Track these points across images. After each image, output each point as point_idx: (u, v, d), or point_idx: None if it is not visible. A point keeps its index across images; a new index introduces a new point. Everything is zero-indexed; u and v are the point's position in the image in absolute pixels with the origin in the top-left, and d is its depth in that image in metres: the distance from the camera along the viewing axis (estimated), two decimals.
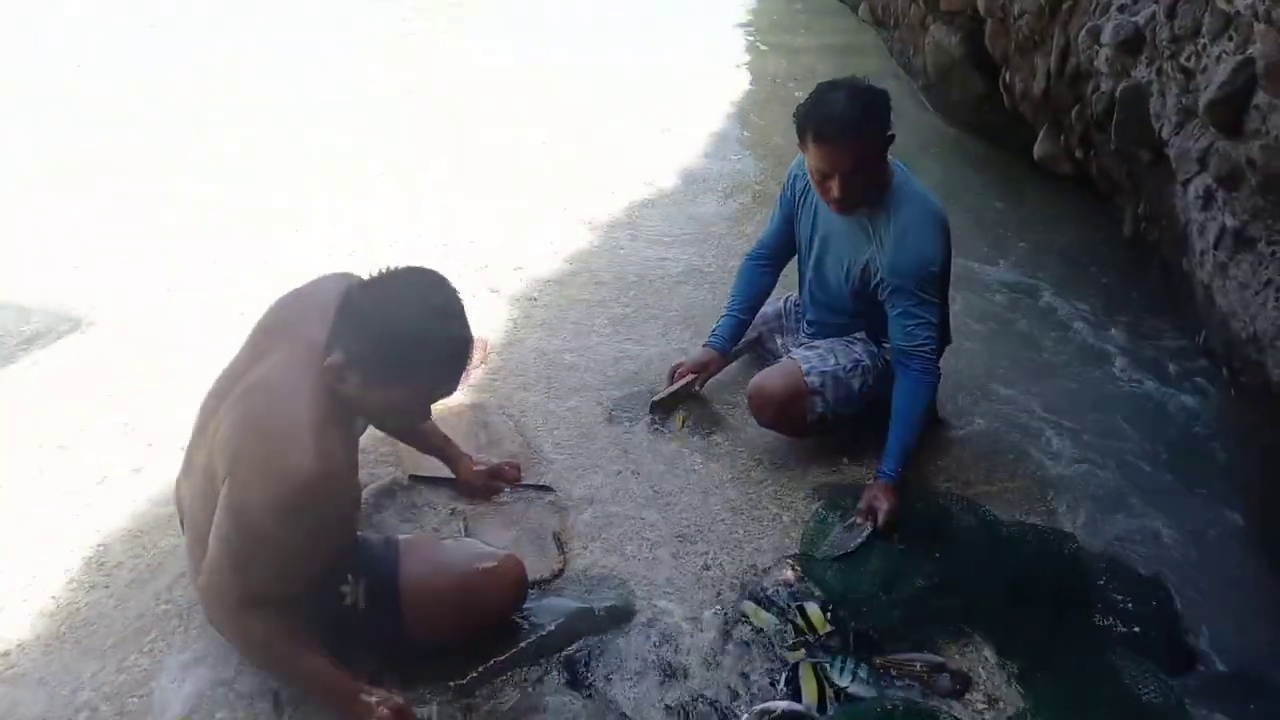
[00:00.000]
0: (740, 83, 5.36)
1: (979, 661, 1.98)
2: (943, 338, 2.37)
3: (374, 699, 1.62)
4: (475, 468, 2.23)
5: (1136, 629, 2.03)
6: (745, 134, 4.66)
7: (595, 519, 2.26)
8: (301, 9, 6.40)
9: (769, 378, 2.42)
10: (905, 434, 2.28)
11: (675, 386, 2.58)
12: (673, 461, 2.45)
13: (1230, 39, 1.87)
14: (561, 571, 2.09)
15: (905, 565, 2.15)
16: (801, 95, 2.19)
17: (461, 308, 1.58)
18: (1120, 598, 2.12)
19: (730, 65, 5.65)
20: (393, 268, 1.56)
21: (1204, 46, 1.96)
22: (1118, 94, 2.23)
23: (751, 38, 6.26)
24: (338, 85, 5.04)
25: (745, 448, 2.50)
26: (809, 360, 2.43)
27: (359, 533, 1.82)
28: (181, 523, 1.84)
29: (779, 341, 2.72)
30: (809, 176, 2.25)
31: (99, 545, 2.10)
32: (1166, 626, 2.08)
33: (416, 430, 2.14)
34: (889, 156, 2.25)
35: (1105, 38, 2.29)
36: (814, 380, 2.39)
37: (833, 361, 2.42)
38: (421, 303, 1.53)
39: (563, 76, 5.30)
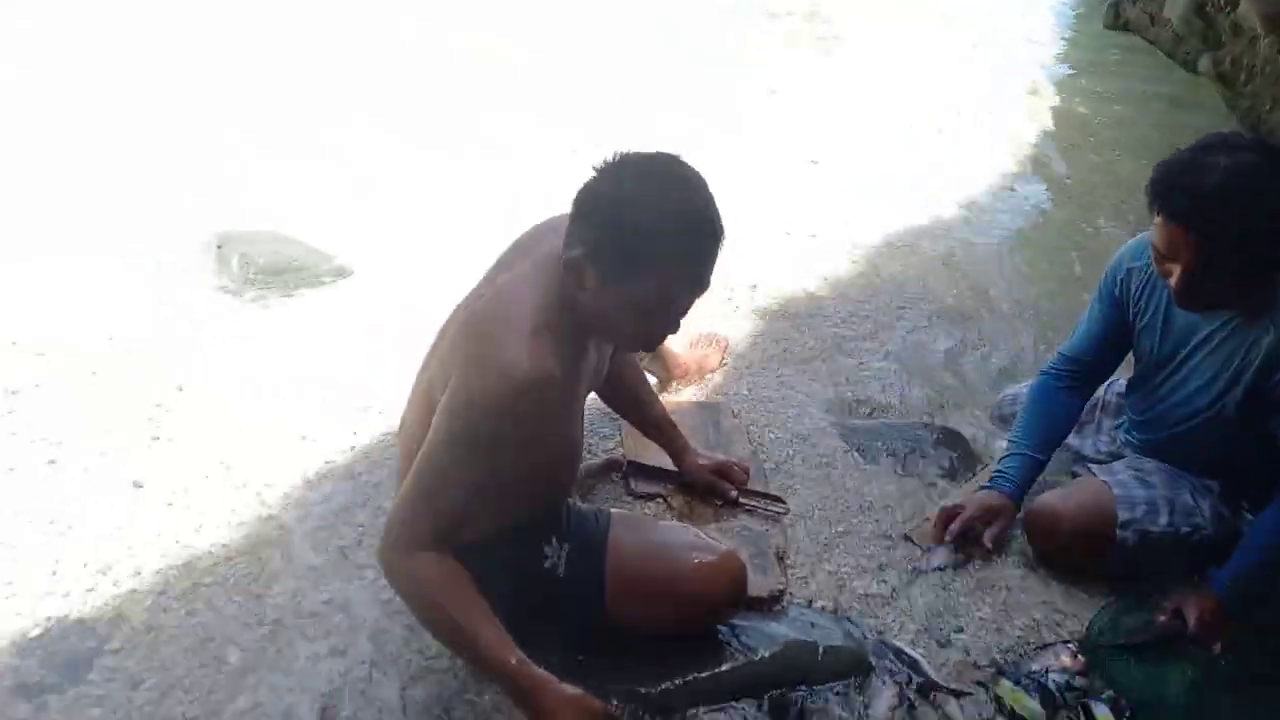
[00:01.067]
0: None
1: None
2: None
3: (571, 693, 1.38)
4: (700, 462, 1.98)
5: None
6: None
7: (825, 544, 1.92)
8: None
9: (1062, 498, 1.87)
10: (1256, 556, 1.69)
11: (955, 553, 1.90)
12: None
13: None
14: (783, 594, 1.78)
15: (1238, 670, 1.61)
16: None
17: (706, 185, 1.35)
18: None
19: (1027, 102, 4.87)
20: (629, 152, 1.36)
21: None
22: None
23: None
24: None
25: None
26: (1122, 481, 1.83)
27: (571, 501, 1.65)
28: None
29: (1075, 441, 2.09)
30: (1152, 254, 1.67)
31: None
32: None
33: (645, 410, 1.95)
34: None
35: None
36: (1129, 511, 1.79)
37: (1160, 492, 1.82)
38: (661, 180, 1.33)
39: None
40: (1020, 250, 3.24)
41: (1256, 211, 1.52)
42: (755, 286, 2.82)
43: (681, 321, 1.42)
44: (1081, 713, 1.57)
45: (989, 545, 1.86)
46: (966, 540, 1.87)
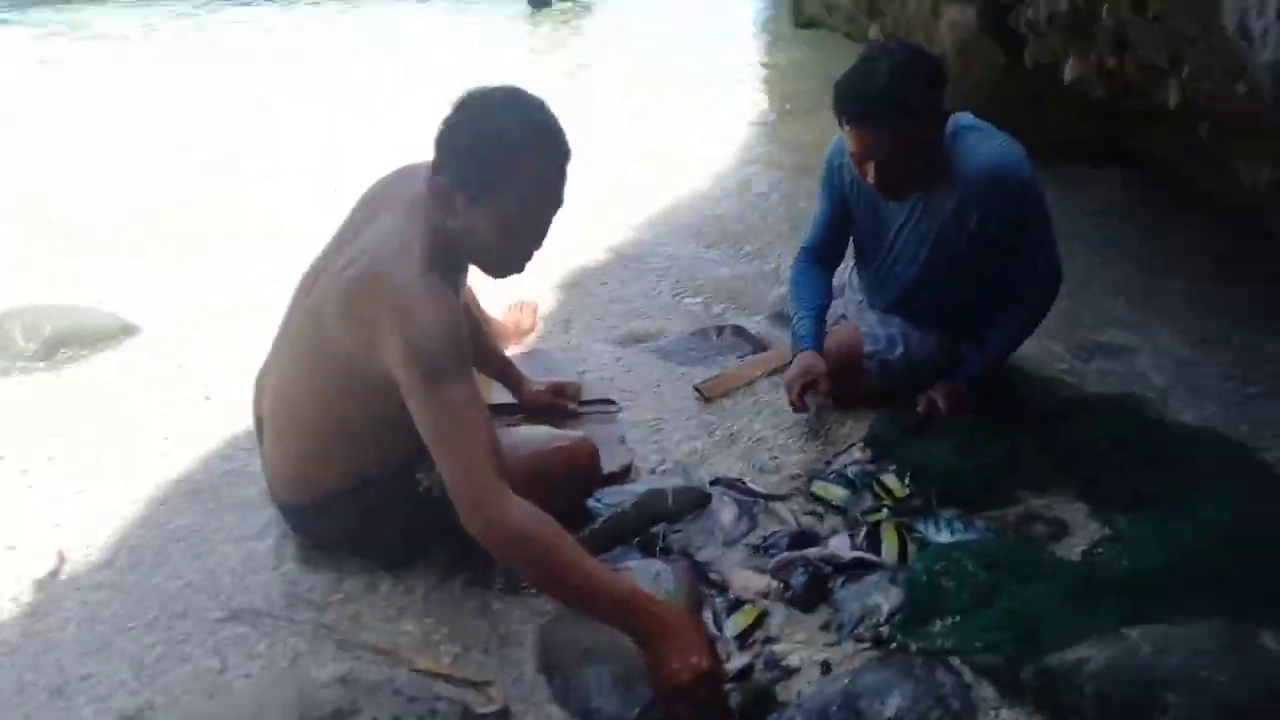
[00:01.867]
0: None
1: (1072, 513, 1.90)
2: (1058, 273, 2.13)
3: (682, 610, 1.47)
4: (536, 388, 2.24)
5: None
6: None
7: (653, 427, 2.25)
8: None
9: (825, 340, 2.22)
10: (993, 350, 2.16)
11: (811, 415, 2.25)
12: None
13: None
14: (630, 466, 2.09)
15: (985, 434, 2.07)
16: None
17: (549, 109, 1.53)
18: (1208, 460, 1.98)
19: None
20: (476, 89, 1.54)
21: None
22: None
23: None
24: None
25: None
26: (870, 323, 2.26)
27: None
28: (257, 424, 1.84)
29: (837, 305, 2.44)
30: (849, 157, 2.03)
31: None
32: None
33: (482, 351, 2.12)
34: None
35: None
36: (873, 345, 2.21)
37: (897, 330, 2.23)
38: (512, 106, 1.51)
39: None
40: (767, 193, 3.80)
41: (915, 98, 1.90)
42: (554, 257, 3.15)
43: (544, 241, 1.57)
44: (876, 484, 1.96)
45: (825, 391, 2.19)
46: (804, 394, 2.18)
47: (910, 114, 1.91)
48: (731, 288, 2.97)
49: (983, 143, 2.01)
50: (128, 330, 2.78)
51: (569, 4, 7.88)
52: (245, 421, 1.98)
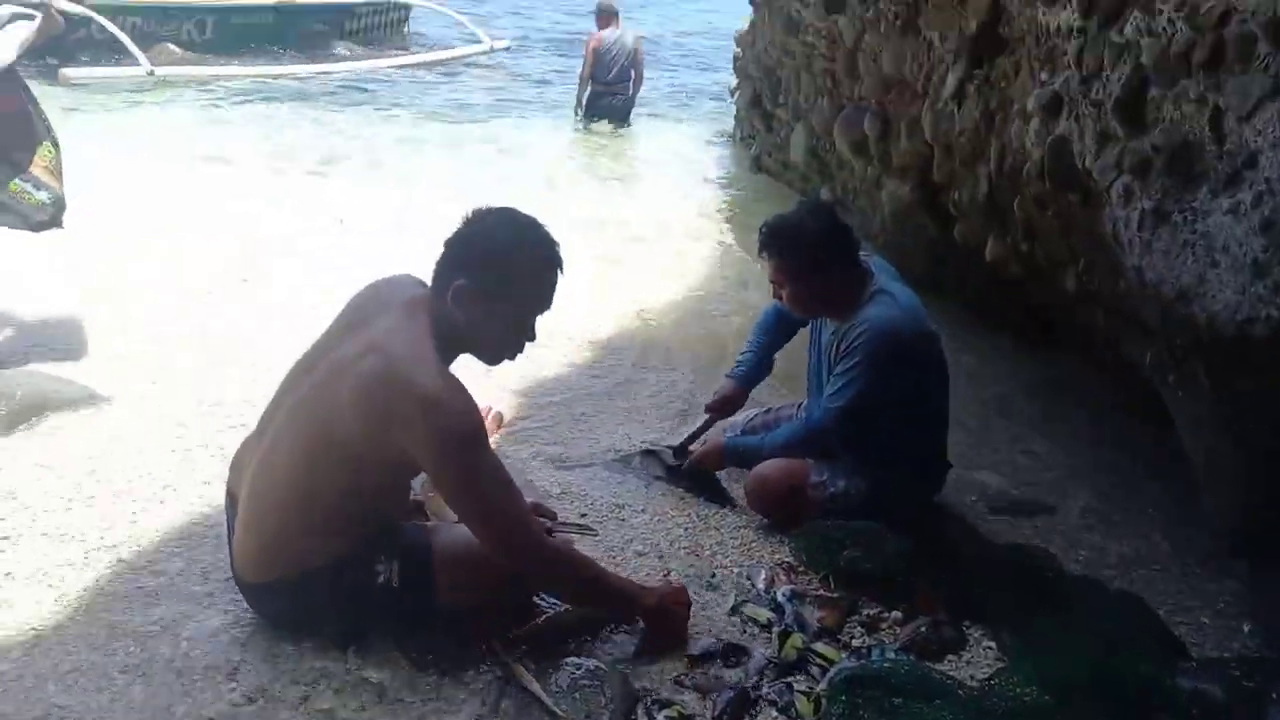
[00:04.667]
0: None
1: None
2: (924, 441, 2.47)
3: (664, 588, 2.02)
4: None
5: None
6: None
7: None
8: None
9: (769, 467, 2.48)
10: (766, 441, 2.53)
11: (695, 427, 2.75)
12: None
13: (1124, 61, 2.32)
14: None
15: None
16: None
17: (546, 228, 1.84)
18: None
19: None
20: (482, 207, 1.83)
21: (1106, 75, 2.40)
22: (1046, 148, 2.64)
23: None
24: None
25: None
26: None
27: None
28: (232, 513, 1.93)
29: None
30: None
31: None
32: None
33: None
34: (861, 265, 2.40)
35: (1030, 107, 2.74)
36: (819, 475, 2.45)
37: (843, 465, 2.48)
38: (515, 224, 1.82)
39: None
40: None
41: (813, 237, 2.35)
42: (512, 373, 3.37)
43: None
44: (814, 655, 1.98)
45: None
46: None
47: (803, 256, 2.37)
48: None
49: (889, 304, 2.36)
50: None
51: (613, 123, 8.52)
52: None
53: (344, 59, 10.32)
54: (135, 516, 2.27)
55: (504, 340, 1.86)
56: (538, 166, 7.06)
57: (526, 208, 1.88)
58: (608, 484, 2.67)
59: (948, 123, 3.60)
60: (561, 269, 1.83)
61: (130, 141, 6.43)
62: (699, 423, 2.82)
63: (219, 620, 1.91)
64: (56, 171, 3.00)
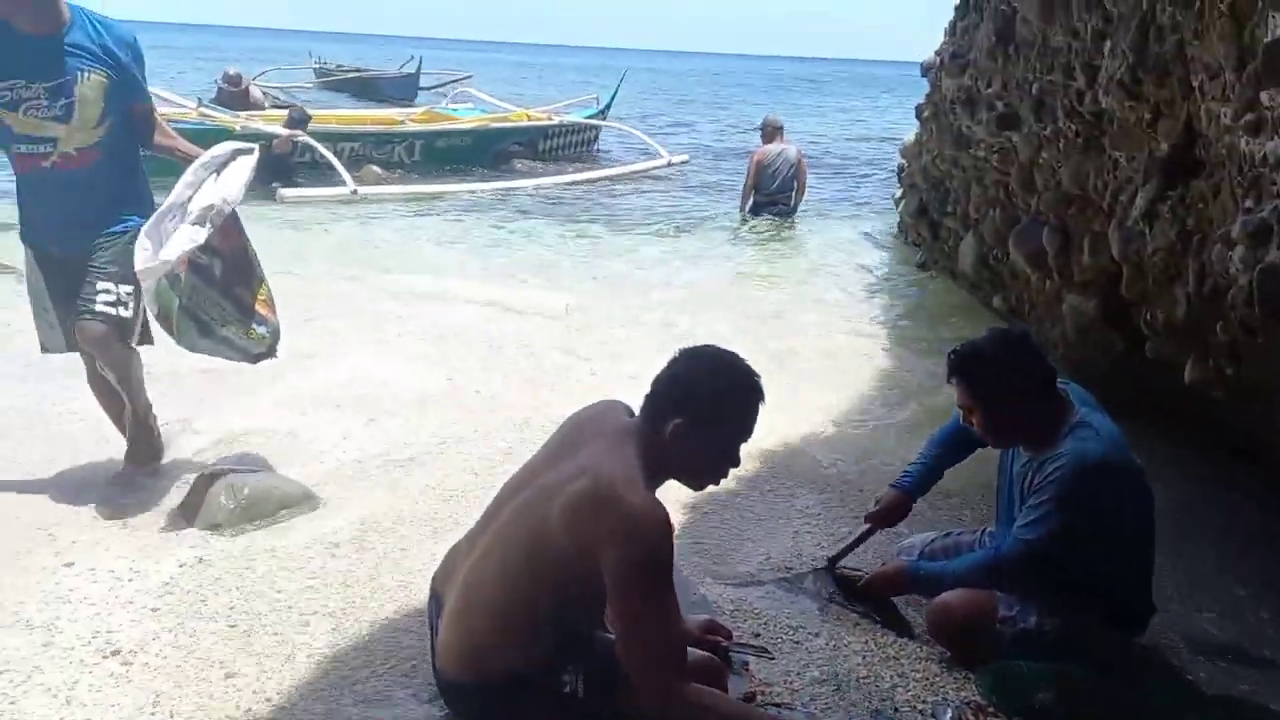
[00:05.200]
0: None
1: None
2: (1125, 580, 2.33)
3: None
4: (687, 625, 2.31)
5: None
6: None
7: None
8: None
9: (954, 596, 2.40)
10: (950, 569, 2.44)
11: (854, 536, 2.74)
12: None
13: None
14: (754, 696, 2.22)
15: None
16: None
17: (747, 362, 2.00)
18: None
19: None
20: (688, 347, 2.01)
21: None
22: (1255, 275, 2.51)
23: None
24: None
25: None
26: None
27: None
28: (435, 611, 2.07)
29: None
30: None
31: None
32: None
33: None
34: (1059, 395, 2.33)
35: (1235, 234, 2.62)
36: (1008, 609, 2.36)
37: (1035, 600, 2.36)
38: (722, 363, 1.98)
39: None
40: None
41: (1003, 364, 2.31)
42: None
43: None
44: None
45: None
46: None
47: (999, 385, 2.32)
48: None
49: (1090, 437, 2.27)
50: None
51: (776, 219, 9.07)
52: None
53: (534, 175, 11.43)
54: None
55: (713, 467, 1.99)
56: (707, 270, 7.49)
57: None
58: (781, 603, 2.66)
59: (1138, 241, 3.48)
60: (764, 400, 1.97)
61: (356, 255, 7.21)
62: (858, 532, 2.79)
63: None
64: (271, 304, 3.12)
